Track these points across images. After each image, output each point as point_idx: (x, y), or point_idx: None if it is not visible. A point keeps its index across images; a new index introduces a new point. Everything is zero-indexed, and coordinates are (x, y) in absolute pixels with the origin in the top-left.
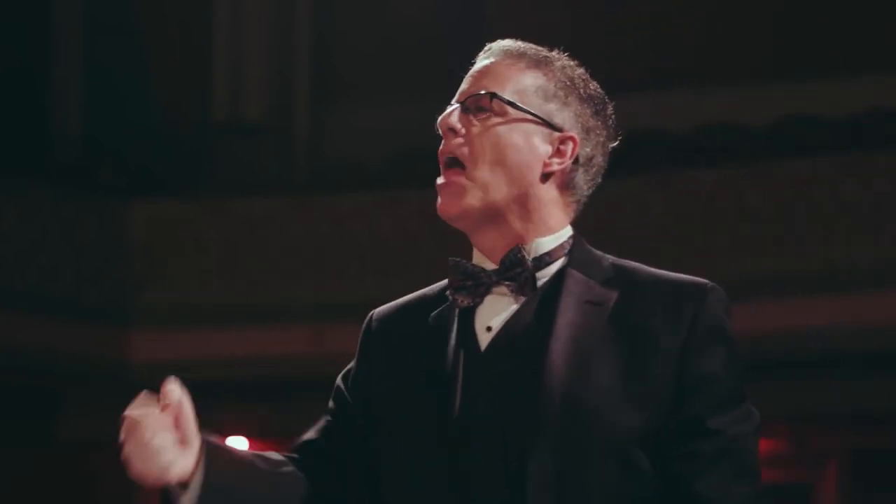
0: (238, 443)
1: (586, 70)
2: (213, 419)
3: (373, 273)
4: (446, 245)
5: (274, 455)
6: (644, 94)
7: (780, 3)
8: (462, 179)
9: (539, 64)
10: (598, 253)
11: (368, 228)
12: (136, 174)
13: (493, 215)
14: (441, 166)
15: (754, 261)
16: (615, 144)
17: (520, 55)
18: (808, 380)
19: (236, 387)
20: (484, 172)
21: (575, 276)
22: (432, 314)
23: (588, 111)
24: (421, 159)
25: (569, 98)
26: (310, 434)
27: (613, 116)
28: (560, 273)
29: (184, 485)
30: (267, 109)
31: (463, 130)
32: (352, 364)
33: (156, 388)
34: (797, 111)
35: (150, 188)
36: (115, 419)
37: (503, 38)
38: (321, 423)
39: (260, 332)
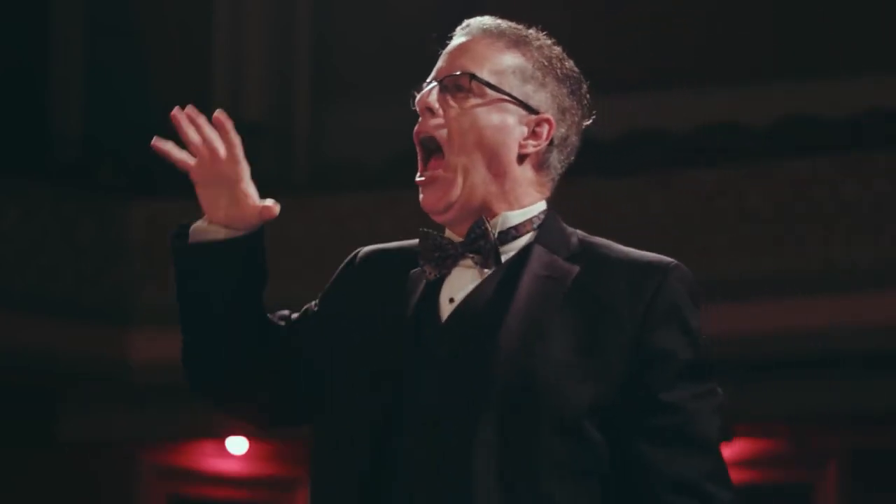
0: (238, 443)
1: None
2: (213, 419)
3: None
4: None
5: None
6: (644, 94)
7: (781, 3)
8: (442, 172)
9: (518, 44)
10: (570, 229)
11: (368, 228)
12: (136, 174)
13: (475, 205)
14: (417, 147)
15: (754, 261)
16: (589, 122)
17: (499, 34)
18: (808, 380)
19: None
20: (462, 155)
21: (539, 251)
22: (404, 273)
23: (564, 91)
24: None
25: (546, 79)
26: (285, 314)
27: (588, 95)
28: (526, 249)
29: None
30: (267, 109)
31: (441, 111)
32: (329, 289)
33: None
34: (797, 111)
35: (150, 188)
36: (115, 419)
37: None
38: (295, 314)
39: None
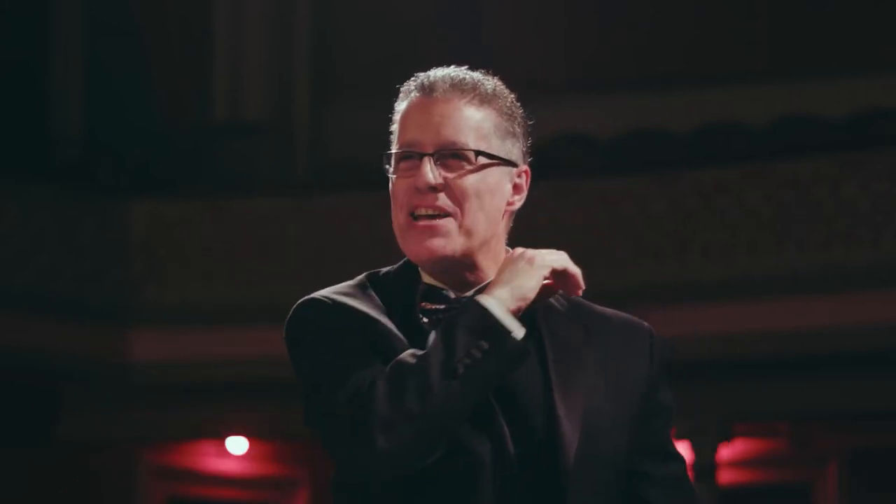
0: (238, 443)
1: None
2: (213, 419)
3: None
4: None
5: None
6: (644, 94)
7: (780, 3)
8: (449, 224)
9: (490, 99)
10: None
11: (368, 228)
12: (136, 174)
13: (467, 262)
14: (408, 220)
15: (754, 261)
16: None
17: (469, 90)
18: (808, 380)
19: (236, 387)
20: (468, 221)
21: (542, 310)
22: (395, 318)
23: (522, 134)
24: None
25: (516, 130)
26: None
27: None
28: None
29: None
30: (267, 109)
31: (441, 185)
32: (340, 326)
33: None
34: (797, 111)
35: (150, 188)
36: (115, 419)
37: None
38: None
39: (260, 332)
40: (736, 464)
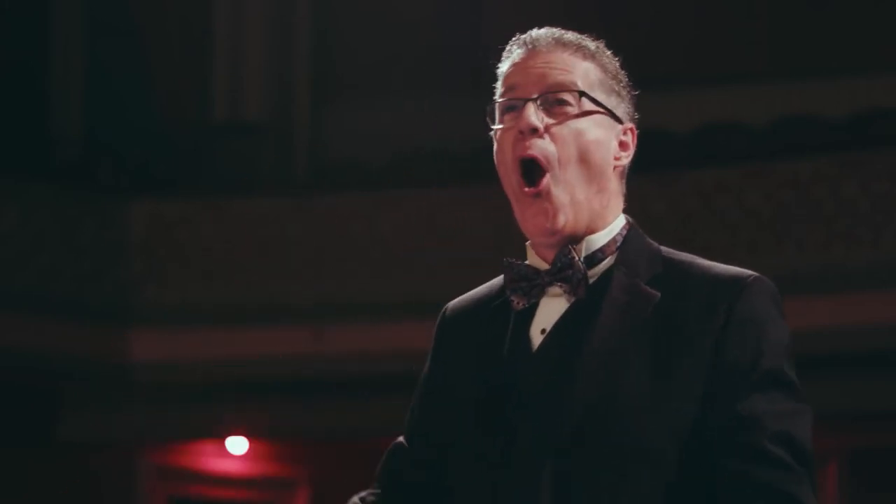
0: (238, 443)
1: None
2: (213, 419)
3: (373, 273)
4: (447, 245)
5: None
6: (644, 94)
7: (780, 2)
8: (551, 196)
9: (593, 56)
10: (653, 246)
11: (368, 228)
12: (136, 174)
13: (582, 227)
14: (516, 170)
15: (754, 261)
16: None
17: (574, 46)
18: (809, 380)
19: (236, 387)
20: (570, 173)
21: (620, 277)
22: (492, 312)
23: (629, 99)
24: (421, 159)
25: (621, 90)
26: (395, 464)
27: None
28: (608, 272)
29: None
30: (267, 109)
31: (543, 129)
32: (428, 363)
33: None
34: (797, 111)
35: (150, 188)
36: (115, 419)
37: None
38: (405, 450)
39: (260, 332)
40: None
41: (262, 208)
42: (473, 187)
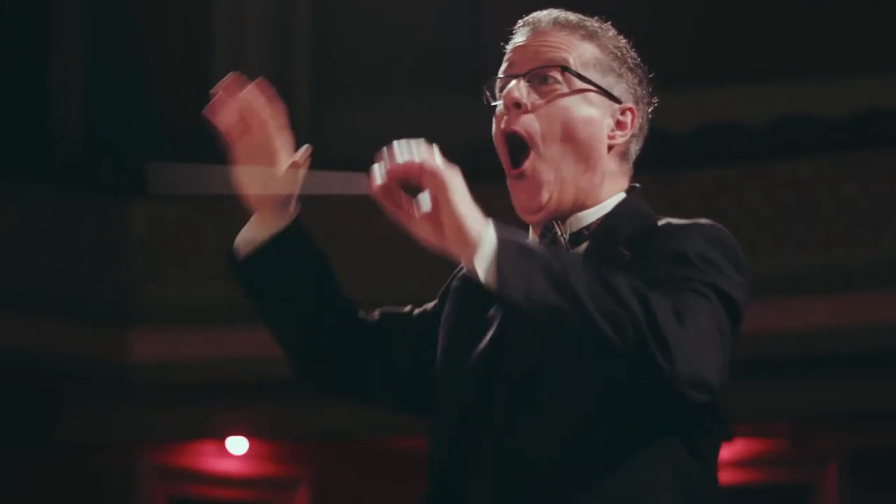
0: (238, 443)
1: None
2: (213, 419)
3: (373, 273)
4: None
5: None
6: None
7: (781, 3)
8: (535, 174)
9: (592, 35)
10: (640, 212)
11: (368, 228)
12: (136, 174)
13: (568, 203)
14: (501, 146)
15: (754, 261)
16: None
17: (572, 26)
18: (808, 380)
19: (236, 387)
20: (554, 149)
21: (596, 246)
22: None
23: (636, 80)
24: None
25: (622, 69)
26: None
27: (651, 84)
28: (590, 244)
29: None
30: None
31: (529, 105)
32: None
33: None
34: (797, 111)
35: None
36: (115, 419)
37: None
38: (400, 309)
39: (260, 332)
40: (735, 464)
41: None
42: (473, 187)
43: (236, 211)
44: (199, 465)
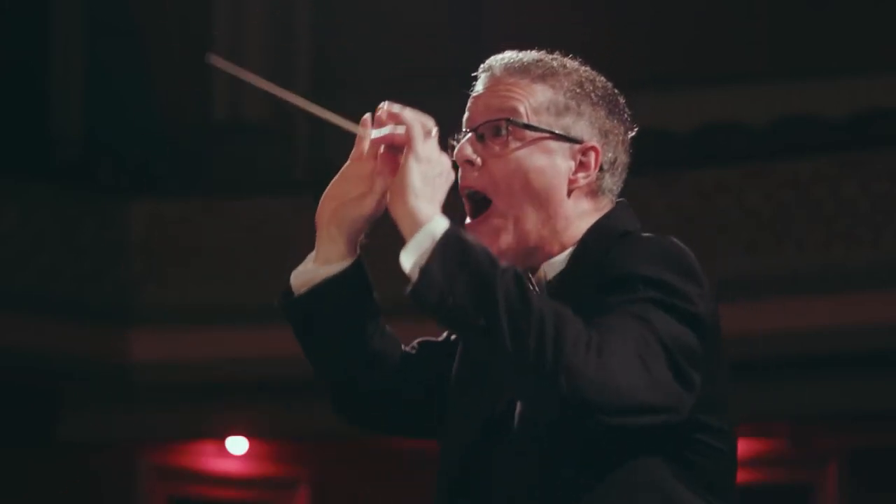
0: (238, 443)
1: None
2: (213, 419)
3: (372, 272)
4: None
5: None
6: (644, 94)
7: (781, 3)
8: (493, 220)
9: (545, 76)
10: (603, 241)
11: (368, 228)
12: (136, 174)
13: (528, 249)
14: (465, 203)
15: (754, 261)
16: (633, 135)
17: (523, 69)
18: (808, 380)
19: (236, 387)
20: (511, 203)
21: (567, 287)
22: None
23: (602, 113)
24: None
25: (581, 106)
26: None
27: (626, 107)
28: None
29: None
30: (267, 109)
31: (480, 161)
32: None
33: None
34: (797, 111)
35: (150, 188)
36: (115, 419)
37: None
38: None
39: (260, 332)
40: None
41: (262, 208)
42: None
43: (236, 211)
44: (199, 465)
